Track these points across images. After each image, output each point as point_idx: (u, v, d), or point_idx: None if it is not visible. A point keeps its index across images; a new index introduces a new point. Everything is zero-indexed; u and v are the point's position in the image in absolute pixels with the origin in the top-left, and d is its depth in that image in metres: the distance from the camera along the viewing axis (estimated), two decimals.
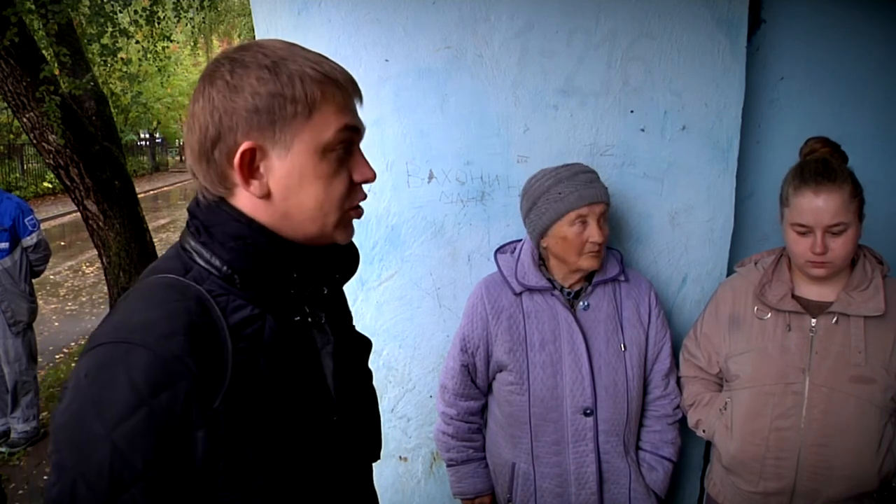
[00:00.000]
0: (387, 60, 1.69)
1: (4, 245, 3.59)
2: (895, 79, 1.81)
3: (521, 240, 1.64)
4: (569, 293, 1.57)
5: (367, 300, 1.81)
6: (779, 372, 1.39)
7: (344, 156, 0.82)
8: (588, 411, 1.51)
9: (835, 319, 1.37)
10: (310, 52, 0.81)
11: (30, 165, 14.81)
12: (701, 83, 1.70)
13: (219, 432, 0.72)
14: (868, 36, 1.79)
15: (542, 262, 1.59)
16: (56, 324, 6.26)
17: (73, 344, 5.71)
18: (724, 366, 1.51)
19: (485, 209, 1.77)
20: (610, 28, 1.67)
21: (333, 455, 0.87)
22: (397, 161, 1.74)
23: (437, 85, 1.70)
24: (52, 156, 4.53)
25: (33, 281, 3.79)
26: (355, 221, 0.88)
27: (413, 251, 1.79)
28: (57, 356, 5.40)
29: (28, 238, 3.67)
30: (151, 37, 5.81)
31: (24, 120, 4.35)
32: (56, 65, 5.04)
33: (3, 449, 3.74)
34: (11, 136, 13.60)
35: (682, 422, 1.63)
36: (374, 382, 1.07)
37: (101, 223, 4.86)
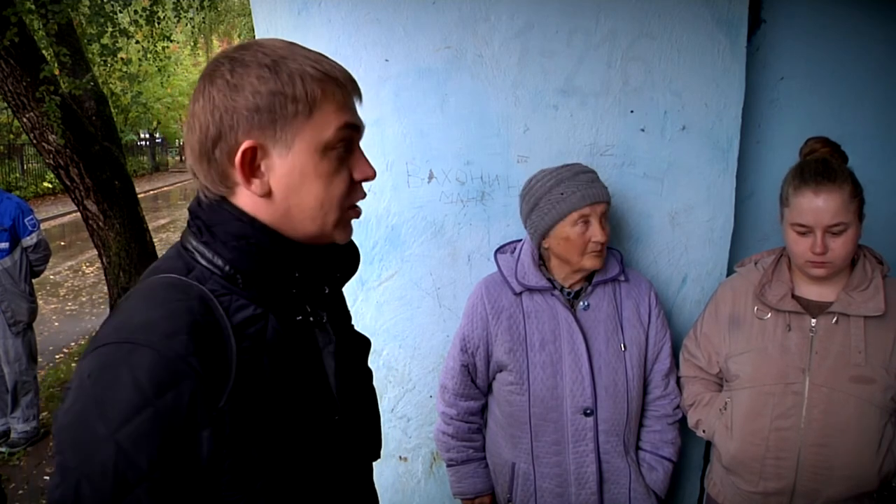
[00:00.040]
0: (387, 60, 1.69)
1: (4, 245, 3.59)
2: (895, 79, 1.81)
3: (521, 240, 1.64)
4: (569, 293, 1.57)
5: (367, 300, 1.81)
6: (779, 372, 1.39)
7: (344, 154, 0.82)
8: (588, 411, 1.51)
9: (835, 319, 1.37)
10: (309, 50, 0.81)
11: (30, 165, 14.81)
12: (701, 83, 1.70)
13: (224, 432, 0.72)
14: (868, 36, 1.79)
15: (541, 261, 1.59)
16: (56, 324, 6.26)
17: (73, 344, 5.71)
18: (724, 366, 1.51)
19: (485, 209, 1.77)
20: (610, 28, 1.67)
21: (335, 454, 0.87)
22: (397, 161, 1.74)
23: (437, 85, 1.70)
24: (52, 156, 4.53)
25: (33, 281, 3.79)
26: (355, 221, 0.88)
27: (413, 251, 1.79)
28: (57, 356, 5.40)
29: (28, 238, 3.67)
30: (151, 37, 5.81)
31: (24, 120, 4.35)
32: (56, 65, 5.04)
33: (3, 449, 3.74)
34: (11, 136, 13.61)
35: (682, 422, 1.63)
36: (374, 382, 1.07)
37: (101, 223, 4.86)
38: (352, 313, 1.08)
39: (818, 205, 1.31)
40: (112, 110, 6.06)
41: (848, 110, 1.82)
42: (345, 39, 1.68)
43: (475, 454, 1.67)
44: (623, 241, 1.78)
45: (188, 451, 0.70)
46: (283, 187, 0.79)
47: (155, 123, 19.25)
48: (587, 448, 1.52)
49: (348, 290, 1.72)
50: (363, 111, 0.86)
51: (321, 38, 1.67)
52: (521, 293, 1.56)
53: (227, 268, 0.79)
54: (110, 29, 5.09)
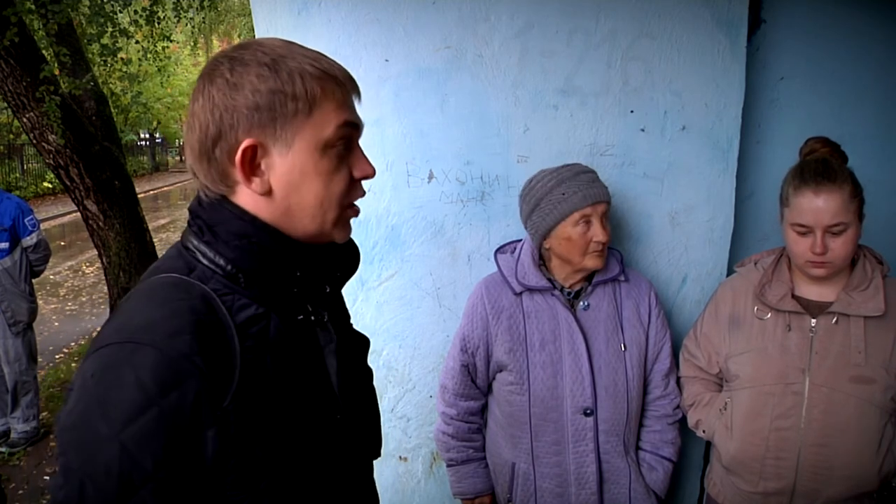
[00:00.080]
0: (387, 60, 1.69)
1: (4, 245, 3.59)
2: (895, 79, 1.81)
3: (521, 240, 1.64)
4: (569, 293, 1.57)
5: (367, 300, 1.81)
6: (779, 372, 1.39)
7: (344, 152, 0.82)
8: (588, 411, 1.51)
9: (835, 319, 1.37)
10: (308, 49, 0.81)
11: (30, 165, 14.81)
12: (701, 83, 1.70)
13: (228, 431, 0.72)
14: (868, 36, 1.79)
15: (541, 261, 1.59)
16: (56, 324, 6.26)
17: (73, 344, 5.71)
18: (724, 366, 1.51)
19: (485, 209, 1.77)
20: (610, 28, 1.67)
21: (337, 453, 0.88)
22: (397, 161, 1.74)
23: (437, 85, 1.70)
24: (52, 156, 4.53)
25: (33, 281, 3.79)
26: (355, 221, 0.88)
27: (413, 251, 1.79)
28: (57, 356, 5.40)
29: (28, 238, 3.67)
30: (151, 37, 5.81)
31: (24, 120, 4.35)
32: (56, 65, 5.04)
33: (3, 449, 3.74)
34: (11, 136, 13.61)
35: (682, 422, 1.63)
36: (375, 382, 1.07)
37: (101, 223, 4.86)
38: (352, 313, 1.08)
39: (818, 205, 1.31)
40: (112, 110, 6.06)
41: (848, 110, 1.82)
42: (345, 39, 1.68)
43: (475, 454, 1.67)
44: (623, 241, 1.78)
45: (193, 450, 0.70)
46: (283, 185, 0.79)
47: (155, 123, 19.25)
48: (587, 448, 1.52)
49: (348, 289, 1.72)
50: (363, 111, 0.86)
51: (321, 38, 1.67)
52: (521, 293, 1.56)
53: (228, 267, 0.79)
54: (110, 29, 5.09)
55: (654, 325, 1.60)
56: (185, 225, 0.86)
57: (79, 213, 4.97)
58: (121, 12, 5.50)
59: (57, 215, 12.36)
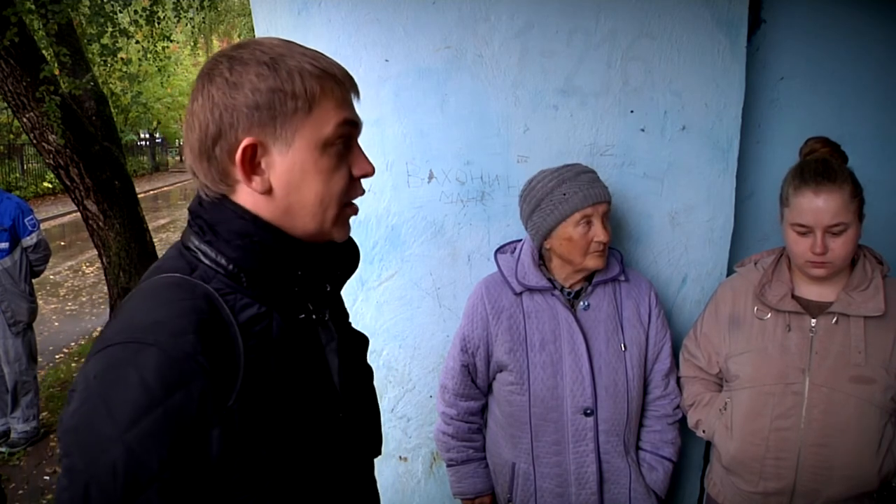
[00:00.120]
0: (387, 60, 1.69)
1: (4, 245, 3.59)
2: (895, 79, 1.81)
3: (521, 240, 1.64)
4: (569, 293, 1.57)
5: (367, 300, 1.81)
6: (779, 372, 1.39)
7: (343, 150, 0.82)
8: (588, 411, 1.51)
9: (835, 319, 1.37)
10: (307, 48, 0.81)
11: (30, 165, 14.81)
12: (701, 83, 1.70)
13: (233, 431, 0.72)
14: (868, 36, 1.79)
15: (542, 261, 1.59)
16: (56, 324, 6.26)
17: (73, 344, 5.71)
18: (724, 366, 1.51)
19: (485, 209, 1.77)
20: (610, 28, 1.67)
21: (340, 451, 0.88)
22: (397, 161, 1.74)
23: (437, 85, 1.70)
24: (52, 156, 4.53)
25: (33, 281, 3.79)
26: (356, 222, 0.88)
27: (413, 251, 1.79)
28: (57, 356, 5.40)
29: (28, 238, 3.67)
30: (151, 37, 5.81)
31: (24, 120, 4.35)
32: (56, 65, 5.04)
33: (3, 449, 3.74)
34: (11, 136, 13.60)
35: (683, 422, 1.63)
36: (375, 382, 1.07)
37: (101, 223, 4.86)
38: (352, 313, 1.08)
39: (818, 205, 1.31)
40: (112, 110, 6.06)
41: (848, 110, 1.82)
42: (345, 39, 1.68)
43: (475, 454, 1.67)
44: (623, 241, 1.78)
45: (198, 450, 0.70)
46: (283, 184, 0.79)
47: (155, 123, 19.25)
48: (587, 448, 1.52)
49: (348, 289, 1.72)
50: (363, 111, 0.86)
51: (321, 38, 1.67)
52: (521, 293, 1.56)
53: (230, 266, 0.79)
54: (110, 29, 5.09)
55: (655, 325, 1.60)
56: (185, 225, 0.86)
57: (79, 213, 4.97)
58: (121, 12, 5.50)
59: (57, 215, 12.36)
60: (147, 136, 22.09)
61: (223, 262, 0.79)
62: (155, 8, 5.45)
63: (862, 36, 1.79)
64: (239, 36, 12.83)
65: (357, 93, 0.84)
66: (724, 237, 1.79)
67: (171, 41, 6.33)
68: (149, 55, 5.92)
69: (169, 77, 12.91)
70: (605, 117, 1.72)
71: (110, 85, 6.53)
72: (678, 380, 1.64)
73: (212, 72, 0.78)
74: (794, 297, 1.43)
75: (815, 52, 1.80)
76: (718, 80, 1.70)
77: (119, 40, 5.39)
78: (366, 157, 0.85)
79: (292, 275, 0.83)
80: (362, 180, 0.86)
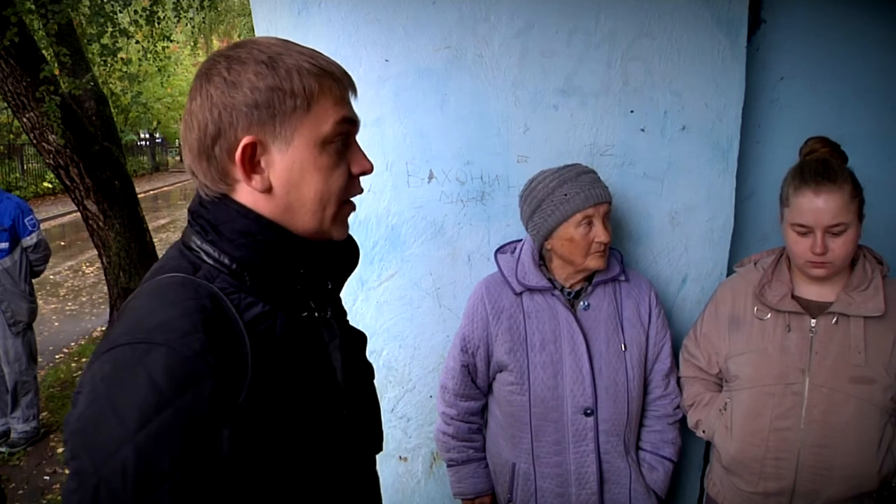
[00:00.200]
0: (387, 60, 1.69)
1: (4, 245, 3.59)
2: (895, 79, 1.81)
3: (521, 240, 1.64)
4: (569, 293, 1.57)
5: (367, 300, 1.81)
6: (779, 372, 1.39)
7: (342, 148, 0.82)
8: (588, 411, 1.51)
9: (835, 320, 1.37)
10: (304, 47, 0.81)
11: (30, 165, 14.81)
12: (701, 83, 1.70)
13: (243, 429, 0.72)
14: (868, 36, 1.79)
15: (542, 261, 1.59)
16: (56, 324, 6.26)
17: (73, 344, 5.71)
18: (724, 366, 1.51)
19: (485, 209, 1.77)
20: (610, 28, 1.67)
21: (344, 447, 0.88)
22: (397, 161, 1.74)
23: (437, 85, 1.70)
24: (52, 156, 4.53)
25: (33, 281, 3.79)
26: (355, 221, 0.89)
27: (413, 251, 1.79)
28: (57, 356, 5.40)
29: (28, 238, 3.67)
30: (151, 37, 5.81)
31: (24, 120, 4.35)
32: (56, 65, 5.04)
33: (3, 449, 3.74)
34: (11, 136, 13.61)
35: (683, 422, 1.63)
36: (375, 382, 1.07)
37: (101, 223, 4.86)
38: (352, 313, 1.09)
39: (818, 205, 1.31)
40: (112, 110, 6.06)
41: (848, 110, 1.82)
42: (345, 39, 1.68)
43: (475, 454, 1.67)
44: (623, 241, 1.78)
45: (210, 449, 0.69)
46: (283, 182, 0.79)
47: (155, 123, 19.25)
48: (588, 448, 1.52)
49: (348, 289, 1.72)
50: (363, 111, 0.86)
51: (321, 38, 1.67)
52: (521, 293, 1.56)
53: (233, 266, 0.79)
54: (110, 29, 5.10)
55: (655, 324, 1.60)
56: (185, 225, 0.86)
57: (79, 213, 4.97)
58: (121, 12, 5.50)
59: (57, 215, 12.36)
60: (147, 136, 22.09)
61: (226, 261, 0.79)
62: (155, 8, 5.46)
63: (862, 36, 1.79)
64: (239, 36, 12.82)
65: (355, 91, 0.85)
66: (724, 237, 1.79)
67: (171, 41, 6.33)
68: (149, 55, 5.92)
69: (169, 77, 12.91)
70: (605, 117, 1.72)
71: (110, 85, 6.53)
72: (678, 380, 1.64)
73: (210, 71, 0.78)
74: (793, 297, 1.43)
75: (815, 52, 1.80)
76: (718, 80, 1.70)
77: (119, 40, 5.39)
78: (364, 155, 0.85)
79: (295, 273, 0.83)
80: (361, 178, 0.86)
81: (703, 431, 1.54)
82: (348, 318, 1.07)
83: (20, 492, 3.39)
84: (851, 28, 1.78)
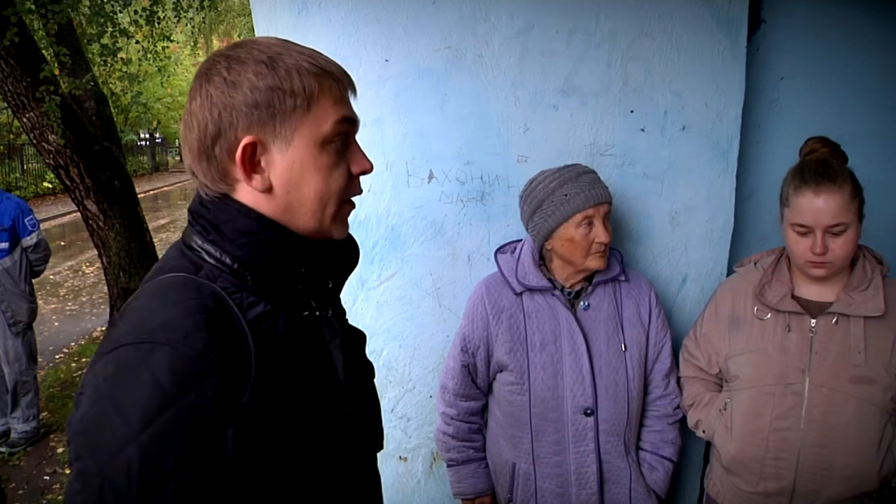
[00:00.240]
0: (387, 60, 1.69)
1: (4, 245, 3.59)
2: (895, 79, 1.81)
3: (521, 240, 1.64)
4: (569, 293, 1.57)
5: (367, 300, 1.81)
6: (779, 372, 1.39)
7: (342, 148, 0.83)
8: (588, 411, 1.51)
9: (835, 320, 1.37)
10: (304, 47, 0.81)
11: (30, 165, 14.81)
12: (701, 83, 1.70)
13: (247, 428, 0.72)
14: (868, 36, 1.79)
15: (542, 261, 1.59)
16: (56, 324, 6.26)
17: (73, 344, 5.71)
18: (724, 366, 1.51)
19: (485, 209, 1.77)
20: (610, 28, 1.67)
21: (347, 446, 0.89)
22: (397, 161, 1.74)
23: (437, 85, 1.70)
24: (52, 156, 4.53)
25: (33, 281, 3.79)
26: (355, 221, 0.89)
27: (413, 251, 1.79)
28: (57, 356, 5.40)
29: (28, 238, 3.67)
30: (151, 37, 5.81)
31: (24, 120, 4.35)
32: (56, 65, 5.04)
33: (3, 449, 3.74)
34: (11, 136, 13.61)
35: (683, 422, 1.63)
36: (375, 382, 1.07)
37: (101, 223, 4.86)
38: (352, 313, 1.09)
39: (818, 205, 1.31)
40: (112, 110, 6.06)
41: (848, 110, 1.82)
42: (345, 39, 1.68)
43: (475, 454, 1.67)
44: (623, 241, 1.78)
45: (214, 449, 0.69)
46: (283, 182, 0.79)
47: (155, 123, 19.25)
48: (588, 448, 1.52)
49: (348, 289, 1.72)
50: (363, 111, 0.86)
51: (321, 38, 1.67)
52: (521, 293, 1.56)
53: (235, 265, 0.79)
54: (110, 29, 5.09)
55: (655, 324, 1.61)
56: (188, 225, 0.85)
57: (79, 213, 4.97)
58: (121, 12, 5.50)
59: (57, 215, 12.36)
60: (147, 136, 22.09)
61: (228, 260, 0.79)
62: (155, 8, 5.46)
63: (862, 36, 1.79)
64: (239, 36, 12.82)
65: (354, 91, 0.85)
66: (724, 237, 1.79)
67: (171, 41, 6.33)
68: (149, 55, 5.92)
69: (169, 77, 12.91)
70: (605, 117, 1.72)
71: (110, 85, 6.53)
72: (678, 380, 1.64)
73: (209, 71, 0.78)
74: (793, 297, 1.43)
75: (815, 52, 1.80)
76: (718, 80, 1.70)
77: (119, 40, 5.39)
78: (364, 154, 0.86)
79: (296, 272, 0.83)
80: (361, 178, 0.86)
81: (703, 431, 1.54)
82: (347, 317, 1.07)
83: (20, 492, 3.39)
84: (851, 28, 1.78)
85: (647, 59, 1.69)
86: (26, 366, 3.73)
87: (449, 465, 1.68)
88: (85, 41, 5.54)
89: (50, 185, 14.44)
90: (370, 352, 1.06)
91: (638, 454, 1.63)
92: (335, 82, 0.80)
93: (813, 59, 1.81)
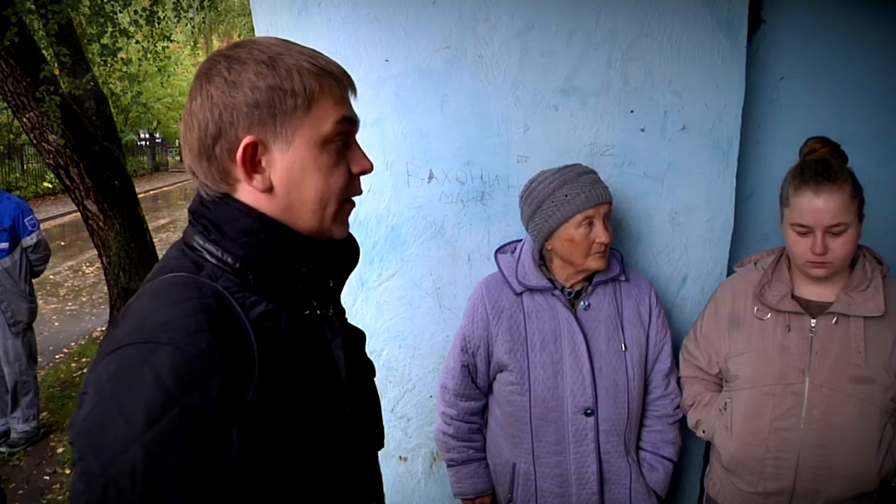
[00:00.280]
0: (387, 60, 1.69)
1: (4, 245, 3.59)
2: (895, 79, 1.81)
3: (521, 240, 1.64)
4: (569, 293, 1.57)
5: (367, 300, 1.81)
6: (779, 372, 1.39)
7: (342, 147, 0.83)
8: (589, 411, 1.51)
9: (834, 320, 1.37)
10: (304, 47, 0.82)
11: (30, 165, 14.81)
12: (701, 83, 1.70)
13: (251, 427, 0.72)
14: (868, 36, 1.79)
15: (542, 261, 1.59)
16: (56, 324, 6.26)
17: (73, 344, 5.70)
18: (724, 366, 1.51)
19: (485, 209, 1.77)
20: (610, 28, 1.67)
21: (349, 444, 0.89)
22: (397, 161, 1.74)
23: (437, 85, 1.70)
24: (52, 156, 4.53)
25: (33, 281, 3.79)
26: (355, 221, 0.89)
27: (413, 251, 1.79)
28: (57, 356, 5.40)
29: (28, 238, 3.67)
30: (151, 37, 5.81)
31: (24, 120, 4.35)
32: (56, 65, 5.04)
33: (3, 449, 3.74)
34: (11, 136, 13.61)
35: (683, 422, 1.63)
36: (375, 381, 1.07)
37: (101, 223, 4.86)
38: (352, 313, 1.09)
39: (818, 205, 1.31)
40: (112, 110, 6.06)
41: (848, 110, 1.82)
42: (345, 39, 1.68)
43: (476, 454, 1.67)
44: (623, 241, 1.78)
45: (218, 448, 0.69)
46: (284, 181, 0.79)
47: (155, 123, 19.25)
48: (588, 448, 1.52)
49: (348, 289, 1.72)
50: (363, 111, 0.86)
51: (321, 38, 1.67)
52: (521, 293, 1.56)
53: (237, 265, 0.79)
54: (110, 29, 5.10)
55: (655, 324, 1.61)
56: (186, 224, 0.86)
57: (79, 213, 4.97)
58: (121, 12, 5.50)
59: (57, 215, 12.36)
60: (147, 136, 22.09)
61: (229, 260, 0.79)
62: (155, 8, 5.46)
63: (862, 36, 1.79)
64: (239, 36, 12.82)
65: (354, 90, 0.85)
66: (724, 237, 1.79)
67: (171, 41, 6.33)
68: (149, 55, 5.92)
69: (169, 77, 12.91)
70: (605, 117, 1.72)
71: (110, 85, 6.53)
72: (678, 380, 1.64)
73: (210, 71, 0.78)
74: (793, 297, 1.43)
75: (815, 52, 1.80)
76: (718, 80, 1.70)
77: (119, 40, 5.39)
78: (364, 154, 0.86)
79: (297, 271, 0.83)
80: (361, 178, 0.86)
81: (703, 431, 1.54)
82: (347, 317, 1.07)
83: (20, 492, 3.39)
84: (851, 28, 1.78)
85: (647, 59, 1.69)
86: (26, 366, 3.73)
87: (449, 465, 1.68)
88: (85, 41, 5.55)
89: (50, 185, 14.44)
90: (370, 352, 1.06)
91: (638, 454, 1.63)
92: (335, 82, 0.81)
93: (813, 59, 1.81)
